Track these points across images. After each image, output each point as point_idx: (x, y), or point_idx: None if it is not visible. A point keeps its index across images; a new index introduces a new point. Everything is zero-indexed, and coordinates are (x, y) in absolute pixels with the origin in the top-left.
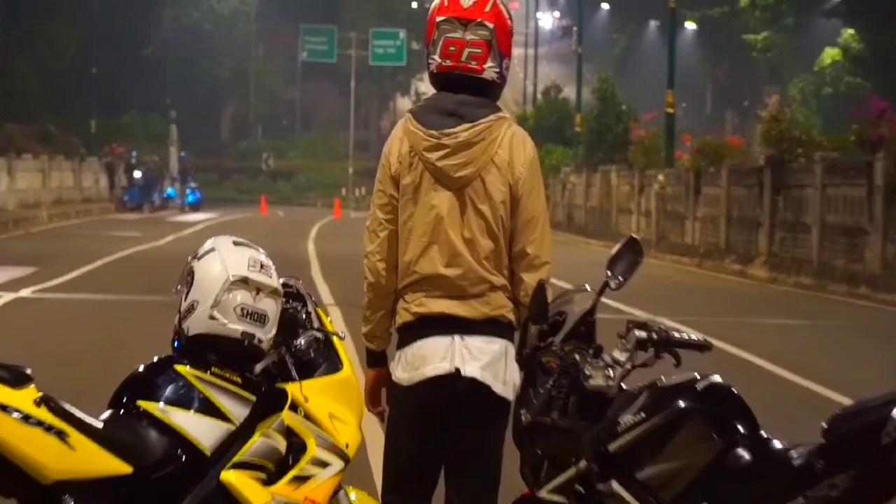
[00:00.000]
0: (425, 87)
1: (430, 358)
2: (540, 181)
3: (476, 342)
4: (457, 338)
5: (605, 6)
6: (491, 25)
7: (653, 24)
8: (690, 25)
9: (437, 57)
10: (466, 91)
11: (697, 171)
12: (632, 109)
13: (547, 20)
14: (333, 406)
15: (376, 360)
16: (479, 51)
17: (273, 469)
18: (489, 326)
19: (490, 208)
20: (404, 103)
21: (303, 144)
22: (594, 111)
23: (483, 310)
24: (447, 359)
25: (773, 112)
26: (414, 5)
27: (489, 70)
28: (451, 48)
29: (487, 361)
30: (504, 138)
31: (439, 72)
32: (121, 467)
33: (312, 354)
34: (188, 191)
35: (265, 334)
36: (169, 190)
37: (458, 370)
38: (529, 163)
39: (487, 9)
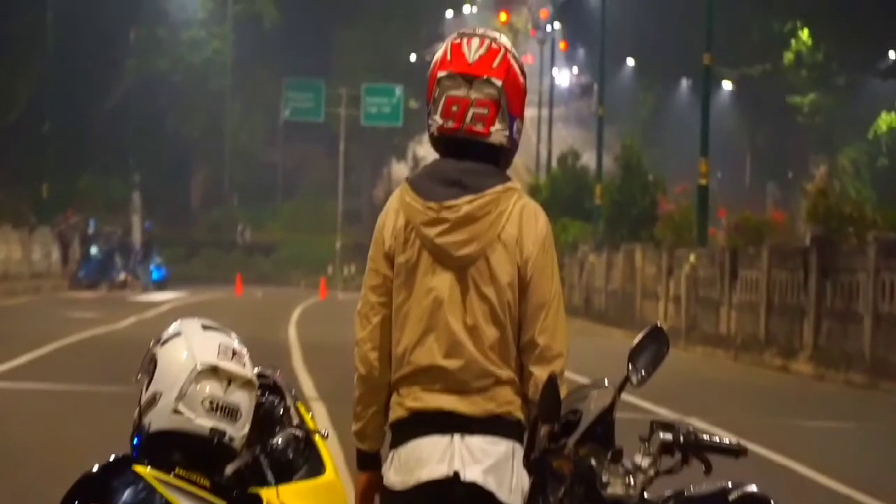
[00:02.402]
0: (425, 152)
1: (426, 460)
2: (554, 261)
3: (478, 442)
4: (456, 437)
5: (630, 62)
6: (499, 83)
7: (684, 82)
8: (727, 85)
9: (437, 117)
10: (472, 157)
11: (734, 251)
12: (660, 180)
13: (564, 77)
14: None
15: (368, 463)
16: (486, 111)
17: None
18: (494, 425)
19: (496, 292)
20: (400, 169)
21: (284, 215)
22: (617, 181)
23: (487, 406)
24: (445, 461)
25: (821, 185)
26: (413, 58)
27: (497, 133)
28: (454, 108)
29: (491, 465)
30: (513, 212)
31: (440, 134)
32: None
33: (291, 455)
34: (152, 266)
35: (237, 431)
36: (130, 265)
37: (457, 474)
38: (542, 240)
39: (496, 64)
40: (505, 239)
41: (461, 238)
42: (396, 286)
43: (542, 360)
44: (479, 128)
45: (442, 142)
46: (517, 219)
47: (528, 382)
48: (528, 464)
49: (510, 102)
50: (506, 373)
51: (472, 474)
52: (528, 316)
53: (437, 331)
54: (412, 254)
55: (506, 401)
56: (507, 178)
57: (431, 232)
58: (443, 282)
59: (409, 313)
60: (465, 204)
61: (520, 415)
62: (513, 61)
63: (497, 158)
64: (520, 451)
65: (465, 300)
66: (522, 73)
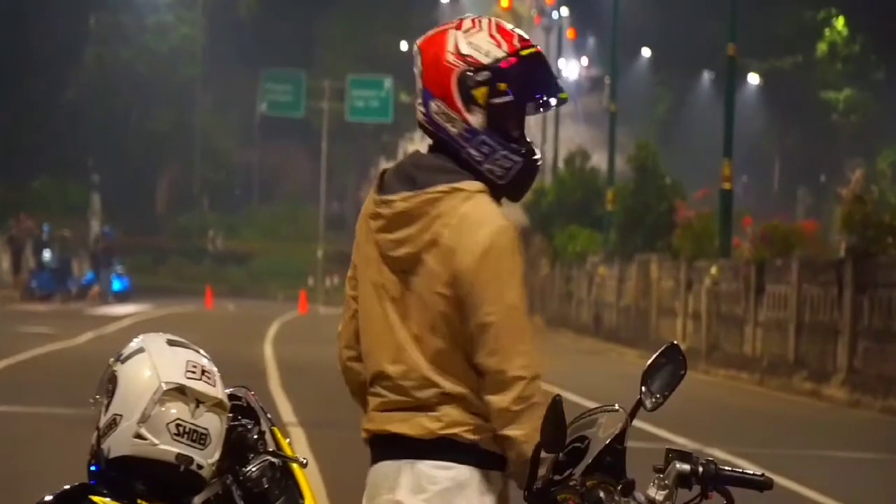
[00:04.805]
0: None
1: (379, 487)
2: (503, 276)
3: (427, 469)
4: (406, 464)
5: (646, 53)
6: (420, 58)
7: (706, 76)
8: (754, 79)
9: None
10: (435, 149)
11: (760, 263)
12: (678, 184)
13: (572, 69)
14: None
15: None
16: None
17: None
18: (443, 449)
19: (434, 302)
20: None
21: (260, 221)
22: (630, 185)
23: (432, 427)
24: (393, 490)
25: (857, 190)
26: (403, 46)
27: (423, 116)
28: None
29: (435, 492)
30: (454, 217)
31: (418, 122)
32: None
33: (266, 485)
34: (113, 276)
35: (206, 458)
36: (88, 274)
37: None
38: (481, 252)
39: (429, 34)
40: (441, 245)
41: (395, 237)
42: (359, 281)
43: (495, 387)
44: (420, 111)
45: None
46: (458, 225)
47: (490, 413)
48: (530, 497)
49: (426, 77)
50: (454, 387)
51: None
52: (472, 337)
53: (386, 334)
54: (370, 248)
55: (454, 421)
56: (464, 177)
57: (374, 226)
58: (391, 282)
59: (364, 313)
60: (399, 201)
61: (473, 437)
62: (447, 32)
63: (455, 150)
64: (480, 478)
65: (409, 305)
66: (458, 51)
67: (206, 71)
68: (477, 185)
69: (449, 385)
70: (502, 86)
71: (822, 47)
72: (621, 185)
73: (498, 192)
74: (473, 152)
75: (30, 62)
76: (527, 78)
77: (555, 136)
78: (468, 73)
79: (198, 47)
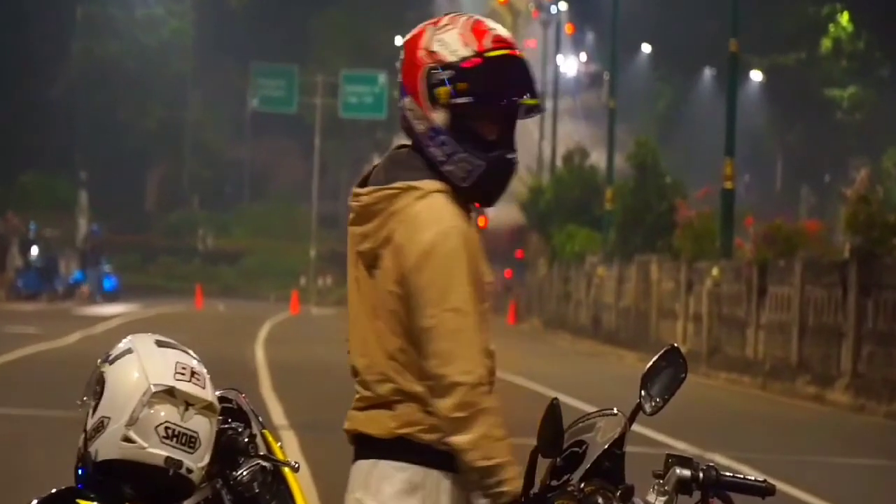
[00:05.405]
0: None
1: (350, 487)
2: (446, 278)
3: (386, 469)
4: (369, 463)
5: (646, 48)
6: (402, 56)
7: (708, 72)
8: (756, 76)
9: None
10: (412, 145)
11: (762, 264)
12: (678, 183)
13: (570, 65)
14: None
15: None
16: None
17: None
18: (399, 449)
19: (387, 298)
20: None
21: (252, 219)
22: (630, 184)
23: (389, 425)
24: (357, 490)
25: (862, 190)
26: (398, 41)
27: (400, 111)
28: None
29: (390, 494)
30: (407, 214)
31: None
32: None
33: (257, 489)
34: (101, 276)
35: (196, 462)
36: (75, 273)
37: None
38: (422, 254)
39: (413, 31)
40: (394, 243)
41: (361, 231)
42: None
43: (437, 391)
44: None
45: None
46: (408, 223)
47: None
48: (526, 503)
49: (403, 74)
50: (410, 386)
51: None
52: (418, 339)
53: (358, 327)
54: (352, 242)
55: (409, 421)
56: (426, 176)
57: (350, 219)
58: (363, 276)
59: (349, 306)
60: (364, 195)
61: (428, 437)
62: (425, 33)
63: (421, 149)
64: (433, 479)
65: (374, 299)
66: (430, 48)
67: (197, 66)
68: (435, 184)
69: (405, 383)
70: (462, 86)
71: (826, 43)
72: (621, 183)
73: (465, 194)
74: (435, 152)
75: (16, 56)
76: (491, 80)
77: (552, 133)
78: (433, 70)
79: (188, 42)
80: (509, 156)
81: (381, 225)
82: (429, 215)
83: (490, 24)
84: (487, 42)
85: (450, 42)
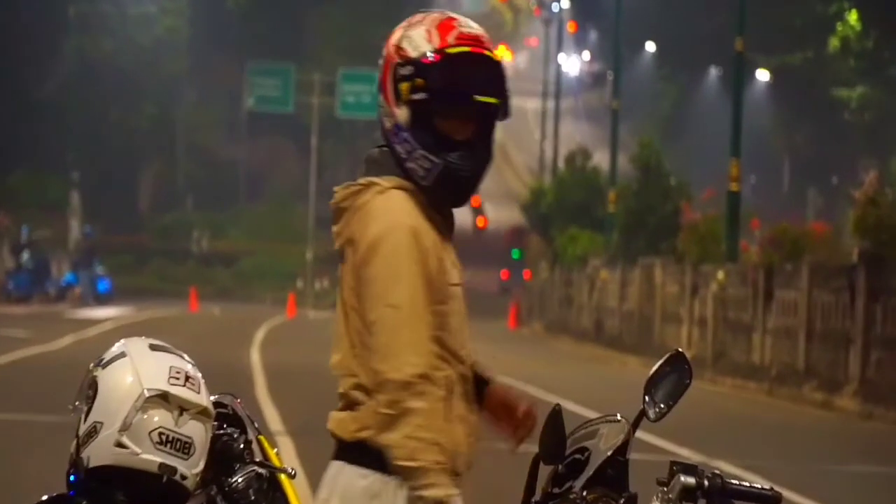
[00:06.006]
0: None
1: (321, 486)
2: (389, 274)
3: (350, 474)
4: (340, 465)
5: (650, 47)
6: (384, 53)
7: (713, 72)
8: (763, 75)
9: None
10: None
11: (769, 268)
12: (683, 184)
13: (573, 64)
14: None
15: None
16: None
17: None
18: (360, 453)
19: (348, 295)
20: None
21: (247, 220)
22: (633, 185)
23: (350, 427)
24: (326, 490)
25: (871, 192)
26: None
27: None
28: None
29: (350, 501)
30: (364, 210)
31: None
32: None
33: (252, 496)
34: (94, 278)
35: (190, 468)
36: (67, 275)
37: None
38: (368, 248)
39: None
40: (352, 239)
41: (333, 230)
42: None
43: (375, 386)
44: None
45: None
46: (362, 218)
47: None
48: None
49: (380, 72)
50: (369, 382)
51: None
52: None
53: (336, 323)
54: None
55: (366, 424)
56: (389, 172)
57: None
58: (343, 271)
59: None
60: (338, 192)
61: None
62: (400, 31)
63: (390, 146)
64: (391, 487)
65: (343, 295)
66: (397, 44)
67: (191, 64)
68: (395, 181)
69: (365, 378)
70: (419, 82)
71: (834, 42)
72: (624, 184)
73: (429, 193)
74: (398, 149)
75: (6, 53)
76: (448, 77)
77: (554, 133)
78: (399, 66)
79: (182, 39)
80: (476, 158)
81: (347, 222)
82: (381, 210)
83: (461, 21)
84: (451, 39)
85: (415, 38)
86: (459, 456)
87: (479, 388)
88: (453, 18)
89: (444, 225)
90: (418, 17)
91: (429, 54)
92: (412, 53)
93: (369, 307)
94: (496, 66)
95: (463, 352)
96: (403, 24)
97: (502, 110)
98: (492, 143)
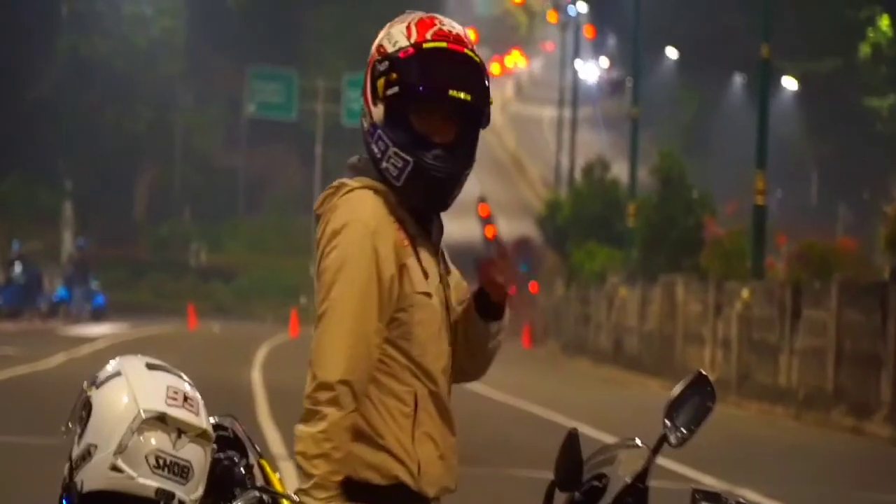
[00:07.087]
0: None
1: None
2: (336, 268)
3: None
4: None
5: (671, 53)
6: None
7: (737, 79)
8: (790, 83)
9: None
10: None
11: (796, 286)
12: (706, 197)
13: (590, 70)
14: None
15: None
16: None
17: None
18: (347, 490)
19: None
20: None
21: (248, 232)
22: (654, 198)
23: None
24: None
25: None
26: None
27: None
28: None
29: None
30: (330, 210)
31: None
32: None
33: None
34: (88, 293)
35: (189, 493)
36: (60, 290)
37: None
38: (325, 242)
39: None
40: (318, 240)
41: (316, 237)
42: None
43: (309, 377)
44: None
45: None
46: (326, 217)
47: None
48: None
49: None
50: None
51: None
52: None
53: None
54: None
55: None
56: (363, 174)
57: None
58: None
59: None
60: (320, 197)
61: (366, 475)
62: (384, 30)
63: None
64: None
65: None
66: (379, 48)
67: (188, 67)
68: (365, 181)
69: None
70: (394, 76)
71: (864, 49)
72: (644, 197)
73: (403, 196)
74: (374, 149)
75: None
76: (421, 71)
77: (571, 143)
78: (377, 62)
79: (179, 41)
80: (454, 161)
81: (320, 227)
82: (343, 209)
83: (443, 20)
84: (429, 34)
85: (394, 34)
86: (424, 476)
87: (482, 306)
88: (435, 17)
89: (418, 228)
90: (403, 15)
91: (405, 49)
92: (390, 49)
93: (318, 300)
94: (474, 66)
95: (435, 368)
96: (389, 23)
97: (485, 115)
98: (474, 148)
